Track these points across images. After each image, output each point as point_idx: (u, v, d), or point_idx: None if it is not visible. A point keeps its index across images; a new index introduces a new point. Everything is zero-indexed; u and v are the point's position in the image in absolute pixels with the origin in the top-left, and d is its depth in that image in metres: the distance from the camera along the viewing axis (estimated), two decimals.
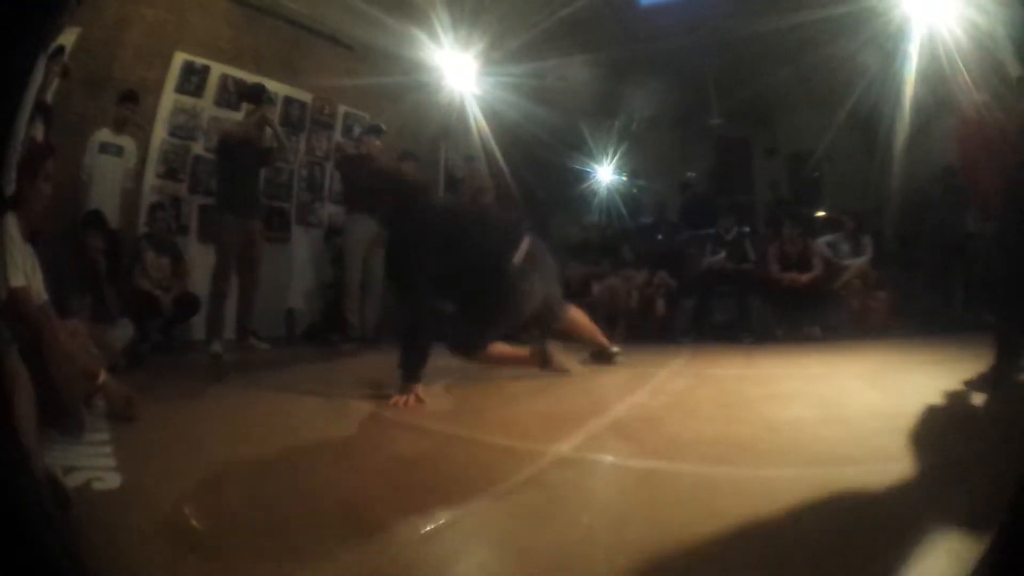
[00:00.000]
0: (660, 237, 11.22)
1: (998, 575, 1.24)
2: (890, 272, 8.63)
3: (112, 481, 2.48)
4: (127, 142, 7.46)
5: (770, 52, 9.33)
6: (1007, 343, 4.00)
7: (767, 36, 8.78)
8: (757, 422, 3.45)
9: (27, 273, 3.24)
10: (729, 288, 9.22)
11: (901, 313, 7.95)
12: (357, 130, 10.24)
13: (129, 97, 7.44)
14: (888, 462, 2.52)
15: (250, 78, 8.91)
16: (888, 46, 7.96)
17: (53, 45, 5.28)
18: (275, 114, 8.47)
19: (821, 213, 10.89)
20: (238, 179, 7.68)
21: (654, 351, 7.15)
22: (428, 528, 2.03)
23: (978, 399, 3.66)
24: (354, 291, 8.37)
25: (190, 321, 7.72)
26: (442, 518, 2.11)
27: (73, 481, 2.40)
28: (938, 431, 3.02)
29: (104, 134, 7.23)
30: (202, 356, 7.17)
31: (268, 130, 8.03)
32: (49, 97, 5.87)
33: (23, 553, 1.31)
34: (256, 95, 7.98)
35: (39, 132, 4.90)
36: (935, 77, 6.79)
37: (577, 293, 8.68)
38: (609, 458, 2.88)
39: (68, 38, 6.16)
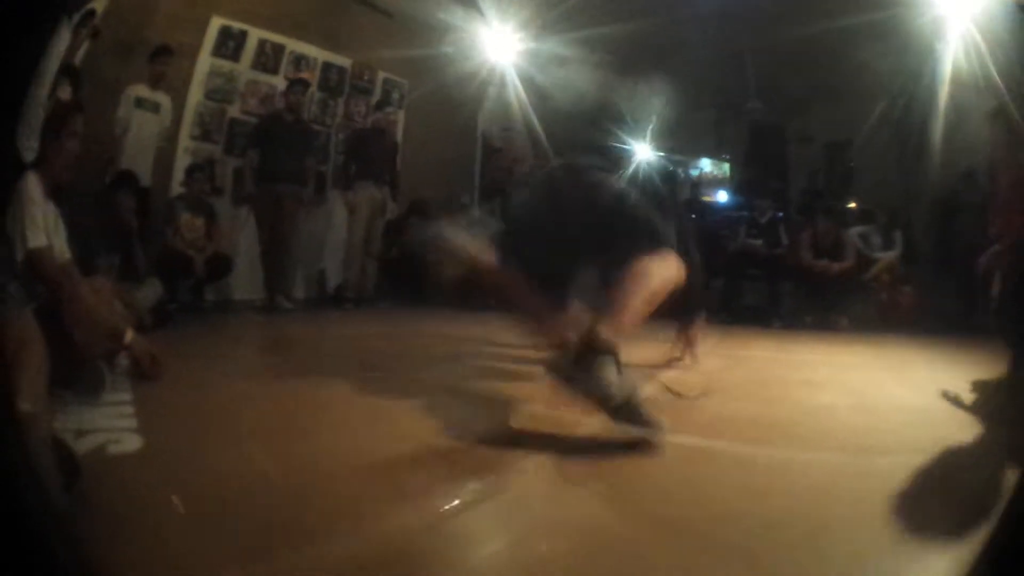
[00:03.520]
0: (694, 217, 11.18)
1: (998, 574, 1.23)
2: (919, 269, 8.60)
3: (130, 443, 2.43)
4: (163, 99, 7.48)
5: (809, 43, 9.25)
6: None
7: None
8: (793, 405, 3.49)
9: (48, 232, 3.23)
10: (760, 272, 9.20)
11: (927, 310, 7.92)
12: (395, 96, 10.36)
13: (163, 51, 7.43)
14: (916, 454, 2.51)
15: (289, 43, 8.95)
16: (924, 47, 7.89)
17: (84, 9, 5.29)
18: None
19: (853, 204, 10.84)
20: (270, 151, 7.85)
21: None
22: (454, 503, 2.01)
23: (999, 397, 3.65)
24: (358, 253, 8.68)
25: (222, 281, 7.77)
26: (476, 488, 2.10)
27: (86, 445, 2.34)
28: (963, 427, 3.02)
29: (140, 89, 7.22)
30: (232, 317, 7.26)
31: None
32: (78, 59, 5.87)
33: (15, 535, 1.28)
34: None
35: (66, 92, 4.90)
36: (968, 79, 6.74)
37: None
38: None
39: (99, 3, 6.15)
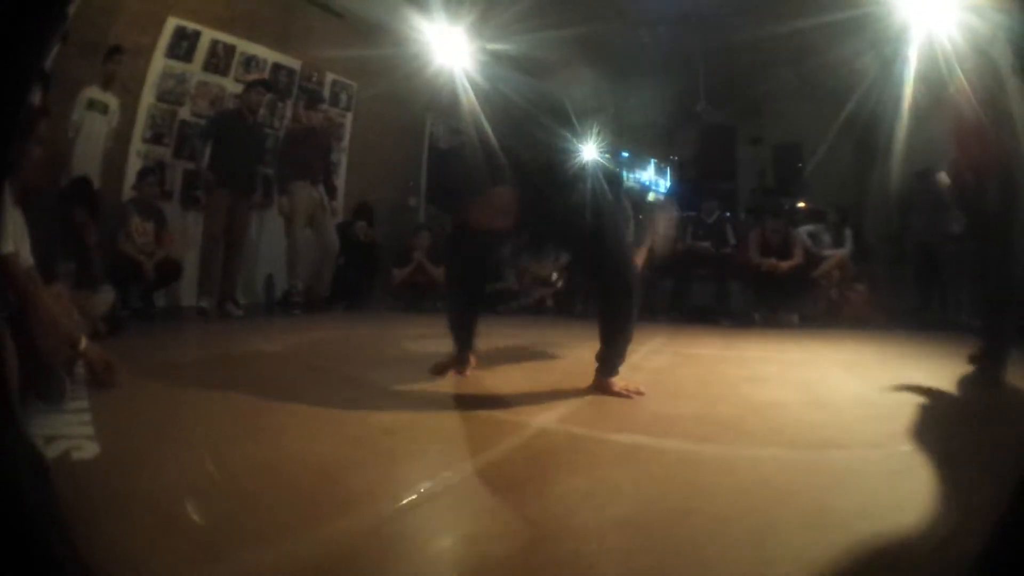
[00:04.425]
0: (640, 217, 11.24)
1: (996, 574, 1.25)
2: (870, 266, 8.71)
3: (90, 450, 2.42)
4: (112, 100, 7.42)
5: (762, 45, 9.33)
6: (995, 336, 4.08)
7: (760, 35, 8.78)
8: (739, 403, 3.49)
9: (16, 238, 3.21)
10: (708, 271, 9.29)
11: (878, 307, 8.02)
12: (344, 98, 10.34)
13: (115, 51, 7.39)
14: (873, 448, 2.56)
15: (241, 44, 8.91)
16: (883, 49, 7.98)
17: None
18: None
19: (802, 204, 10.95)
20: (225, 151, 7.76)
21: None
22: (409, 498, 2.02)
23: (960, 394, 3.71)
24: (298, 255, 8.59)
25: (170, 287, 7.72)
26: (424, 488, 2.10)
27: (52, 451, 2.33)
28: (922, 423, 3.04)
29: (92, 90, 7.19)
30: (181, 323, 7.21)
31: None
32: (48, 62, 5.83)
33: (13, 524, 1.29)
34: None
35: (36, 97, 4.87)
36: (931, 80, 6.81)
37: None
38: (593, 432, 2.87)
39: (72, 5, 6.10)
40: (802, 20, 7.93)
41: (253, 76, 8.81)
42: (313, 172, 8.70)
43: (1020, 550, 1.20)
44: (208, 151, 7.88)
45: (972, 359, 4.29)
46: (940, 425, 3.06)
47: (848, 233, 8.85)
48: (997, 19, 4.05)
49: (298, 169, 8.62)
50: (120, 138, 7.74)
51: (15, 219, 3.22)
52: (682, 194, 12.08)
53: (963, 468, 2.29)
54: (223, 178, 7.77)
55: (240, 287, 8.53)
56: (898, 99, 7.75)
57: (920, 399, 3.53)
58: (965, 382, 3.88)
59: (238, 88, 8.63)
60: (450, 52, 8.87)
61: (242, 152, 7.97)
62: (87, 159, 7.06)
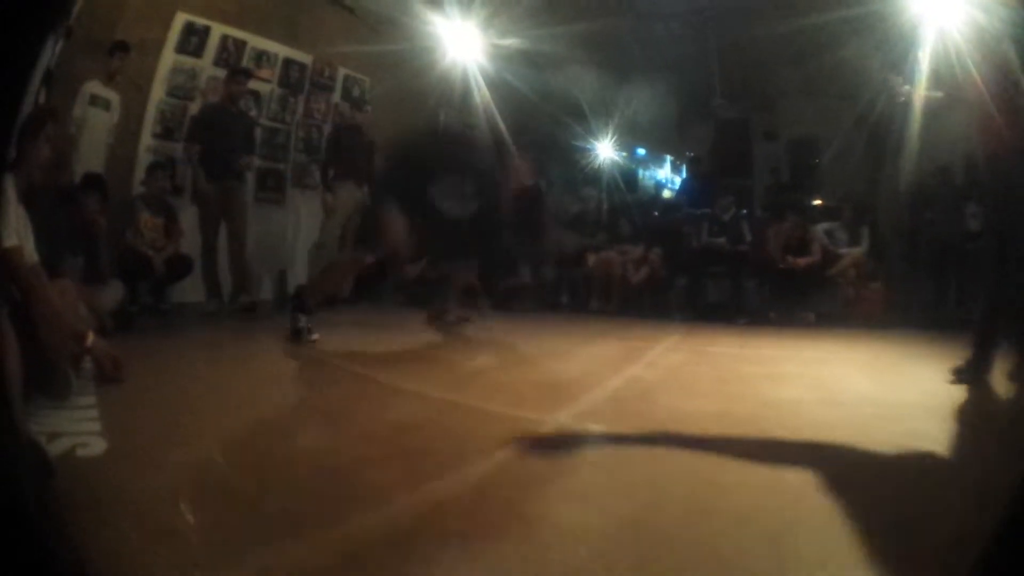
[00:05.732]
0: (656, 214, 11.25)
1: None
2: (885, 265, 8.65)
3: (97, 447, 2.40)
4: (113, 96, 7.35)
5: (777, 41, 9.29)
6: (984, 333, 4.03)
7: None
8: (755, 400, 3.49)
9: (19, 234, 3.18)
10: (724, 268, 9.24)
11: (895, 306, 7.96)
12: (356, 93, 10.31)
13: (120, 47, 7.33)
14: (887, 448, 2.52)
15: (252, 39, 8.88)
16: (895, 46, 7.92)
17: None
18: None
19: (819, 201, 10.89)
20: (213, 144, 7.72)
21: (648, 326, 7.18)
22: (418, 501, 2.00)
23: (968, 395, 3.66)
24: (329, 254, 8.44)
25: (181, 283, 7.65)
26: (442, 485, 2.08)
27: (57, 448, 2.32)
28: (934, 422, 3.00)
29: (95, 86, 7.13)
30: (192, 319, 7.18)
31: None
32: (52, 60, 5.81)
33: (9, 524, 1.26)
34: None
35: (41, 95, 4.85)
36: (943, 77, 6.77)
37: (572, 264, 8.87)
38: (610, 429, 2.86)
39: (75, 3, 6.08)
40: (815, 16, 7.89)
41: (266, 71, 8.78)
42: (359, 171, 8.56)
43: (1021, 550, 1.18)
44: (198, 149, 7.80)
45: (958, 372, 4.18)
46: (952, 425, 3.03)
47: (864, 231, 8.78)
48: (1004, 15, 4.01)
49: (342, 168, 8.57)
50: (130, 133, 7.71)
51: (19, 215, 3.20)
52: (697, 190, 12.03)
53: (972, 467, 2.27)
54: (213, 171, 7.70)
55: (260, 282, 8.53)
56: (919, 97, 7.72)
57: (932, 399, 3.50)
58: (961, 375, 3.85)
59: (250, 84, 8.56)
60: (462, 47, 8.85)
61: (228, 143, 7.85)
62: (90, 155, 7.02)
